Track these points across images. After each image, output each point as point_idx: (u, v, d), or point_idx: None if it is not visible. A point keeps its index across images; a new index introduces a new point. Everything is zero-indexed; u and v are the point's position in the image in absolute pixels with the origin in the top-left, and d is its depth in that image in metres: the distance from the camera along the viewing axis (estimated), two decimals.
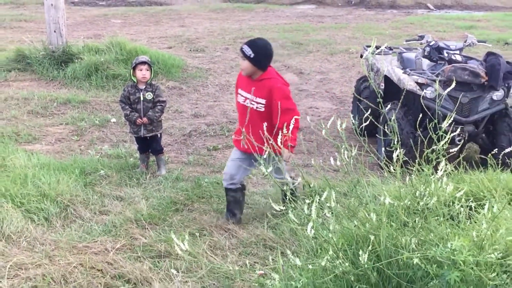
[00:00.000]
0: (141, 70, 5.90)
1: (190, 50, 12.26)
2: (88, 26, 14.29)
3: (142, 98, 5.95)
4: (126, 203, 5.14)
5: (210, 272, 3.87)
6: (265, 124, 3.99)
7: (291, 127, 3.78)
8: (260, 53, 4.70)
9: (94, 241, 4.27)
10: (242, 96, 4.86)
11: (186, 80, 9.96)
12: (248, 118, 4.60)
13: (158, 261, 4.06)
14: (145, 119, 5.89)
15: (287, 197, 4.41)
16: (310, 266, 2.90)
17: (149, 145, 6.22)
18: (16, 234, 4.21)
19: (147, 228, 4.61)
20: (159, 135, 6.23)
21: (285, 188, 4.26)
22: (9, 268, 3.78)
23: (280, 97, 4.62)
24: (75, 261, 3.93)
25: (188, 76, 10.15)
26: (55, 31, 9.80)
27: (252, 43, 4.78)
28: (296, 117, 4.22)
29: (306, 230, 2.78)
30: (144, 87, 6.01)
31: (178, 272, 3.77)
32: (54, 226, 4.46)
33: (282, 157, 4.22)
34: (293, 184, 4.33)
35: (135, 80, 5.99)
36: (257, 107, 4.75)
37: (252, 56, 4.65)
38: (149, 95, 5.98)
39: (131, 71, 6.03)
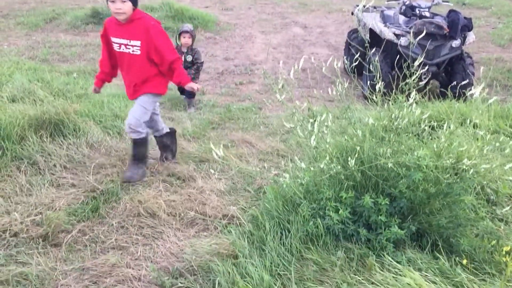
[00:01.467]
0: (184, 37, 5.73)
1: (222, 9, 11.93)
2: None
3: (183, 59, 5.68)
4: (176, 122, 5.14)
5: (238, 172, 3.90)
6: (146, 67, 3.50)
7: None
8: None
9: (153, 150, 4.31)
10: (116, 43, 3.59)
11: (219, 32, 9.74)
12: (125, 64, 3.64)
13: (200, 164, 4.09)
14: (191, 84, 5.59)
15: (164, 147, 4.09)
16: (311, 168, 2.91)
17: (184, 91, 5.74)
18: (97, 143, 4.25)
19: (191, 141, 4.64)
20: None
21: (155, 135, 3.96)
22: (93, 167, 3.85)
23: (157, 34, 3.51)
24: None
25: (220, 29, 9.92)
26: None
27: None
28: (176, 57, 3.58)
29: (310, 141, 2.77)
30: (186, 50, 5.82)
31: (214, 172, 3.80)
32: (124, 138, 4.47)
33: (193, 89, 3.70)
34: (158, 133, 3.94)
35: (179, 44, 5.83)
36: (133, 51, 3.55)
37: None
38: (189, 57, 5.81)
39: (177, 36, 5.87)
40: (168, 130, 4.13)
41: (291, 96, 3.10)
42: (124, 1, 3.39)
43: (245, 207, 3.33)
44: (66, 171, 3.81)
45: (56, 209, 3.21)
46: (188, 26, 5.86)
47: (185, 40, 5.74)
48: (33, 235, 2.93)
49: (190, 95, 5.77)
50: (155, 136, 4.11)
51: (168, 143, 4.13)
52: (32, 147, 3.94)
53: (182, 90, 5.82)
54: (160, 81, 3.73)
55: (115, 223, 3.16)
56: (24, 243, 2.87)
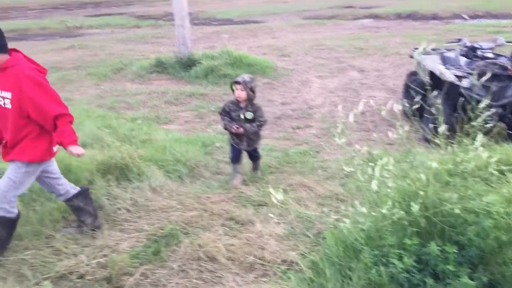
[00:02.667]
0: (236, 89, 4.59)
1: (279, 56, 12.19)
2: (205, 40, 14.49)
3: (242, 117, 4.61)
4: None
5: (297, 217, 3.86)
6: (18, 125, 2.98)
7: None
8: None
9: (213, 193, 4.36)
10: None
11: (276, 77, 9.91)
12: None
13: (258, 208, 4.08)
14: (240, 129, 4.55)
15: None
16: (373, 213, 2.83)
17: (249, 154, 4.89)
18: (159, 187, 4.36)
19: (250, 185, 4.66)
20: (258, 147, 4.92)
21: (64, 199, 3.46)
22: (155, 210, 3.94)
23: (30, 87, 2.94)
24: (200, 207, 4.04)
25: (278, 74, 10.09)
26: (182, 44, 10.02)
27: None
28: (60, 112, 3.03)
29: (370, 186, 2.71)
30: (245, 105, 4.64)
31: (273, 216, 3.78)
32: (184, 182, 4.56)
33: (73, 155, 3.13)
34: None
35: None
36: (4, 103, 3.01)
37: None
38: (249, 115, 4.63)
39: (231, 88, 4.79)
40: (76, 191, 3.55)
41: (350, 139, 3.07)
42: None
43: (305, 253, 3.27)
44: (130, 214, 3.93)
45: (120, 251, 3.29)
46: (242, 76, 4.66)
47: (237, 92, 4.55)
48: (98, 277, 3.01)
49: (257, 156, 4.96)
50: (64, 201, 3.57)
51: (81, 205, 3.54)
52: (99, 190, 4.11)
53: (240, 157, 4.83)
54: (34, 145, 3.10)
55: (176, 266, 3.19)
56: (90, 285, 2.96)
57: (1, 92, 2.98)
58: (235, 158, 4.77)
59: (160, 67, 10.27)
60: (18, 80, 2.92)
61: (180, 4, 9.88)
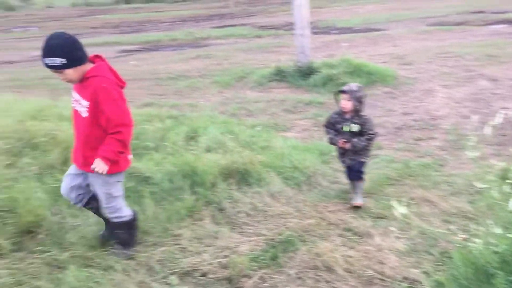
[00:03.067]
0: (342, 98, 4.16)
1: (400, 64, 11.73)
2: (324, 48, 14.46)
3: (347, 130, 4.19)
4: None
5: (419, 233, 3.66)
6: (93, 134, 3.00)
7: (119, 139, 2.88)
8: (68, 51, 2.87)
9: (330, 202, 4.31)
10: (73, 97, 3.14)
11: (397, 86, 9.54)
12: (75, 124, 3.18)
13: (377, 221, 3.95)
14: (348, 145, 4.15)
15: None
16: (509, 235, 2.58)
17: (349, 171, 4.38)
18: (277, 193, 4.42)
19: (368, 196, 4.53)
20: (362, 160, 4.30)
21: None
22: (273, 216, 4.00)
23: (104, 100, 2.95)
24: (318, 216, 4.02)
25: (399, 83, 9.70)
26: (302, 53, 10.10)
27: (50, 50, 2.86)
28: (120, 129, 2.99)
29: (507, 205, 2.48)
30: (350, 117, 4.19)
31: (395, 230, 3.62)
32: (302, 190, 4.57)
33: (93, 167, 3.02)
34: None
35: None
36: (81, 111, 3.06)
37: (64, 61, 2.85)
38: (355, 127, 4.15)
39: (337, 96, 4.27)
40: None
41: (483, 153, 2.83)
42: (62, 72, 2.94)
43: (428, 271, 3.08)
44: (249, 218, 4.03)
45: (239, 253, 3.39)
46: (348, 85, 4.25)
47: (343, 103, 4.15)
48: (219, 276, 3.13)
49: (359, 174, 4.34)
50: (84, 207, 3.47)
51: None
52: (221, 193, 4.28)
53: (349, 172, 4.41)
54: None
55: (293, 273, 3.20)
56: (212, 283, 3.08)
57: (81, 101, 3.03)
58: (348, 174, 4.41)
59: (280, 75, 10.45)
60: (95, 91, 2.94)
61: (301, 13, 9.98)
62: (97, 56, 3.10)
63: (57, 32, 2.92)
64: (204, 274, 3.16)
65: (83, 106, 3.02)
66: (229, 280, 3.11)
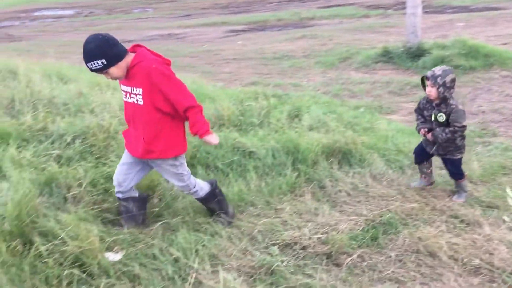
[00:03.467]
0: (427, 85, 3.77)
1: None
2: (437, 28, 13.65)
3: (433, 118, 3.86)
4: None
5: None
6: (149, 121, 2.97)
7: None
8: (106, 51, 2.83)
9: (435, 188, 4.14)
10: (123, 91, 3.12)
11: None
12: (130, 116, 3.13)
13: (487, 210, 3.72)
14: (429, 135, 3.86)
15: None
16: None
17: (445, 165, 4.08)
18: (379, 175, 4.33)
19: (479, 184, 4.27)
20: (455, 160, 3.92)
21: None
22: (375, 197, 3.95)
23: (159, 79, 2.91)
24: (422, 200, 3.89)
25: None
26: (412, 33, 9.66)
27: (89, 54, 2.83)
28: (189, 104, 2.95)
29: None
30: (437, 104, 3.81)
31: (508, 221, 3.40)
32: (405, 173, 4.44)
33: (209, 143, 3.06)
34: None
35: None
36: (135, 100, 3.01)
37: (105, 62, 2.83)
38: (441, 117, 3.77)
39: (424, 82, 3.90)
40: (137, 195, 3.45)
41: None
42: (107, 72, 2.93)
43: None
44: (350, 197, 4.01)
45: (339, 231, 3.41)
46: (433, 70, 3.76)
47: (427, 89, 3.77)
48: (318, 251, 3.18)
49: (455, 174, 4.00)
50: (118, 198, 3.44)
51: (133, 210, 3.42)
52: (322, 171, 4.30)
53: (425, 157, 4.13)
54: (173, 139, 3.16)
55: (393, 255, 3.15)
56: (311, 257, 3.14)
57: (133, 89, 2.99)
58: (417, 158, 4.16)
59: (386, 56, 10.10)
60: (146, 74, 2.90)
61: None
62: (137, 45, 3.07)
63: (91, 35, 2.86)
64: (303, 248, 3.23)
65: (137, 95, 2.98)
66: (328, 255, 3.15)
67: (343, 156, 4.57)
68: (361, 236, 3.37)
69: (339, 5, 22.45)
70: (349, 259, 3.11)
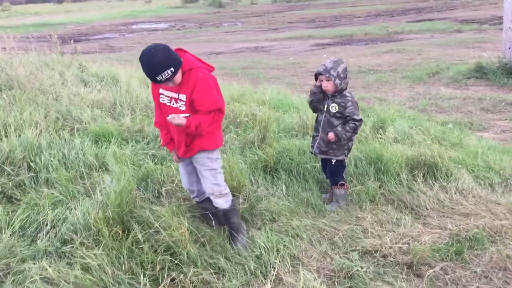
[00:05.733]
0: (321, 80, 3.77)
1: None
2: None
3: (324, 108, 3.83)
4: None
5: None
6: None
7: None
8: (169, 60, 2.86)
9: None
10: (166, 96, 3.15)
11: None
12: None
13: None
14: (331, 135, 3.74)
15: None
16: None
17: (324, 166, 4.13)
18: (466, 191, 4.20)
19: None
20: (334, 160, 3.91)
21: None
22: (460, 212, 3.84)
23: (201, 88, 3.00)
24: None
25: None
26: (509, 48, 9.19)
27: (155, 67, 2.84)
28: (215, 107, 3.04)
29: None
30: (333, 94, 3.78)
31: None
32: (495, 191, 4.26)
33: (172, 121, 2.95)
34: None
35: None
36: (178, 106, 3.08)
37: (173, 70, 2.89)
38: (334, 108, 3.75)
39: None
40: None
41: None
42: (172, 80, 2.98)
43: None
44: (433, 211, 3.93)
45: (421, 242, 3.37)
46: (324, 64, 3.75)
47: (324, 84, 3.77)
48: (399, 260, 3.17)
49: (331, 178, 4.08)
50: (196, 202, 3.63)
51: (212, 209, 3.47)
52: (405, 183, 4.25)
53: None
54: (212, 133, 3.24)
55: (479, 271, 3.06)
56: (391, 266, 3.14)
57: (179, 95, 3.06)
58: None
59: (480, 72, 9.67)
60: (194, 83, 2.99)
61: (511, 5, 9.06)
62: (179, 49, 3.11)
63: (151, 48, 2.87)
64: (384, 256, 3.23)
65: (181, 100, 3.06)
66: (409, 265, 3.13)
67: (428, 170, 4.48)
68: (445, 250, 3.30)
69: (430, 20, 21.77)
70: (431, 271, 3.07)
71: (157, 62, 2.82)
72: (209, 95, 3.03)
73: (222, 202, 3.33)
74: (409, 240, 3.41)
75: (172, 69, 2.87)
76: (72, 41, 10.07)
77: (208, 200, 3.47)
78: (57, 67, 8.18)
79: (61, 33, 23.45)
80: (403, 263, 3.15)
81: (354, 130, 3.74)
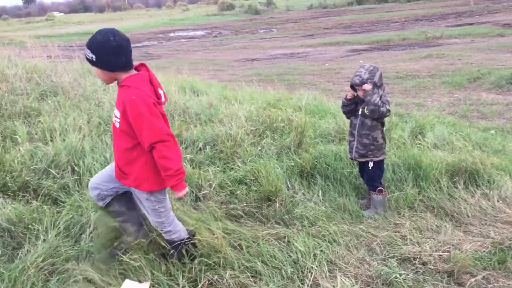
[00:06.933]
0: (359, 90, 3.84)
1: None
2: None
3: (359, 112, 3.90)
4: None
5: None
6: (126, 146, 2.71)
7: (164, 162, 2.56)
8: (101, 51, 2.60)
9: None
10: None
11: None
12: (113, 135, 2.89)
13: None
14: (367, 86, 3.75)
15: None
16: None
17: (361, 171, 4.12)
18: (508, 198, 4.07)
19: None
20: (371, 164, 3.91)
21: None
22: (504, 220, 3.73)
23: (132, 113, 2.62)
24: None
25: None
26: None
27: (90, 42, 2.63)
28: (154, 145, 2.65)
29: None
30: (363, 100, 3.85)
31: None
32: None
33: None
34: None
35: None
36: (115, 121, 2.79)
37: (94, 58, 2.62)
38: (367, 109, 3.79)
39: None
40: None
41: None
42: (93, 66, 2.73)
43: None
44: (475, 218, 3.83)
45: (462, 251, 3.28)
46: (359, 76, 3.82)
47: (360, 93, 3.88)
48: (439, 268, 3.10)
49: (369, 183, 4.03)
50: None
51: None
52: (445, 190, 4.16)
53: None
54: (147, 172, 2.82)
55: None
56: (431, 274, 3.07)
57: (116, 110, 2.79)
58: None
59: None
60: (124, 102, 2.66)
61: None
62: (141, 65, 2.83)
63: (108, 29, 2.67)
64: (423, 263, 3.17)
65: (116, 116, 2.79)
66: (449, 274, 3.05)
67: (469, 176, 4.37)
68: (487, 258, 3.21)
69: (471, 24, 21.25)
70: (473, 279, 2.98)
71: (93, 38, 2.64)
72: (141, 124, 2.65)
73: (167, 236, 3.09)
74: (450, 248, 3.33)
75: (94, 56, 2.63)
76: None
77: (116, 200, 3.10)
78: None
79: None
80: (444, 271, 3.08)
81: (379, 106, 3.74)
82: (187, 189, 2.85)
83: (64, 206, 3.75)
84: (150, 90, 2.70)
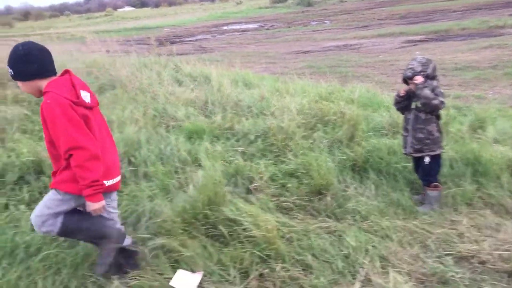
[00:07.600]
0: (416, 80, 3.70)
1: None
2: None
3: (413, 106, 3.80)
4: None
5: None
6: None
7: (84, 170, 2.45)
8: (13, 63, 2.59)
9: None
10: None
11: None
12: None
13: None
14: (419, 77, 3.66)
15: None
16: None
17: (416, 166, 3.99)
18: None
19: None
20: (428, 159, 3.80)
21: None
22: None
23: (48, 118, 2.54)
24: None
25: None
26: None
27: (8, 59, 2.61)
28: (71, 152, 2.53)
29: None
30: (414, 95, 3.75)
31: None
32: None
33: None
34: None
35: None
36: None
37: (12, 72, 2.61)
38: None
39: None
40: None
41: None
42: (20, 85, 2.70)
43: None
44: None
45: None
46: (411, 68, 3.75)
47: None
48: (499, 267, 2.96)
49: (424, 179, 3.91)
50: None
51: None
52: (506, 186, 3.96)
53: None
54: (70, 176, 2.66)
55: None
56: (489, 273, 2.94)
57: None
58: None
59: None
60: (42, 107, 2.58)
61: None
62: (66, 71, 2.76)
63: (23, 42, 2.67)
64: (482, 262, 3.03)
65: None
66: (510, 274, 2.91)
67: None
68: None
69: None
70: None
71: (10, 53, 2.62)
72: (56, 129, 2.56)
73: (37, 228, 2.79)
74: (510, 247, 3.17)
75: (11, 71, 2.63)
76: (168, 43, 10.60)
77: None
78: (155, 67, 8.65)
79: (158, 35, 24.73)
80: (503, 271, 2.93)
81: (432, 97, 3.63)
82: (103, 202, 2.69)
83: (121, 196, 3.88)
84: (70, 92, 2.62)
